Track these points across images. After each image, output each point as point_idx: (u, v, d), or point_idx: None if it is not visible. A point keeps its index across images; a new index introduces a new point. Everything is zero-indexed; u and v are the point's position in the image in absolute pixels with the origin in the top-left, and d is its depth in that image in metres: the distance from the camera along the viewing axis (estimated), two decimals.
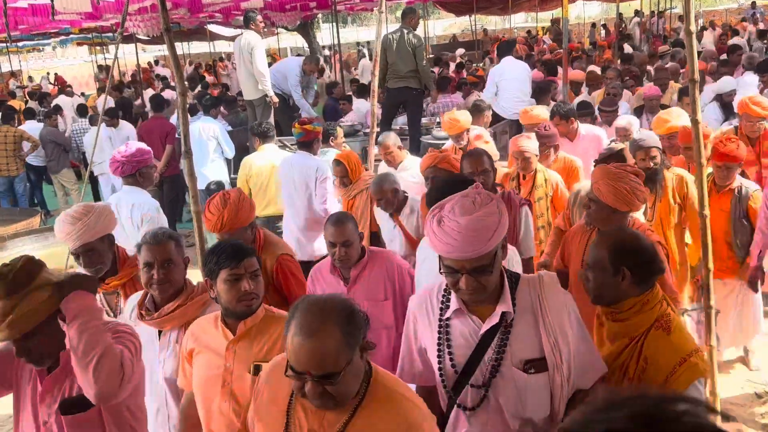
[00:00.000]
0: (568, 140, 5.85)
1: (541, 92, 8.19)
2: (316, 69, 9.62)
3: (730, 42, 13.74)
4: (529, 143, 4.79)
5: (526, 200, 3.96)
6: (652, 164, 4.30)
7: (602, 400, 0.81)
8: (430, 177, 4.15)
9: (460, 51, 18.77)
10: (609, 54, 14.76)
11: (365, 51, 20.58)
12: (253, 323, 2.55)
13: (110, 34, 18.35)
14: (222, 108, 9.71)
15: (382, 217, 4.74)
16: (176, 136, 8.36)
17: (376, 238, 5.06)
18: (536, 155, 4.81)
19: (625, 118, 5.99)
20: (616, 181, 3.15)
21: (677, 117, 5.25)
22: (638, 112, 7.36)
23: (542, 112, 6.03)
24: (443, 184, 3.22)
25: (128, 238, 4.49)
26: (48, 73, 24.60)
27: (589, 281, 2.46)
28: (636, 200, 3.16)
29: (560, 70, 9.22)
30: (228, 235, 3.45)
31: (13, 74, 22.51)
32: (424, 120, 8.59)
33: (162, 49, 24.47)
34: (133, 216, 4.56)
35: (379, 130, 7.94)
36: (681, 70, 9.36)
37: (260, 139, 6.22)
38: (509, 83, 8.33)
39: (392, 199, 4.46)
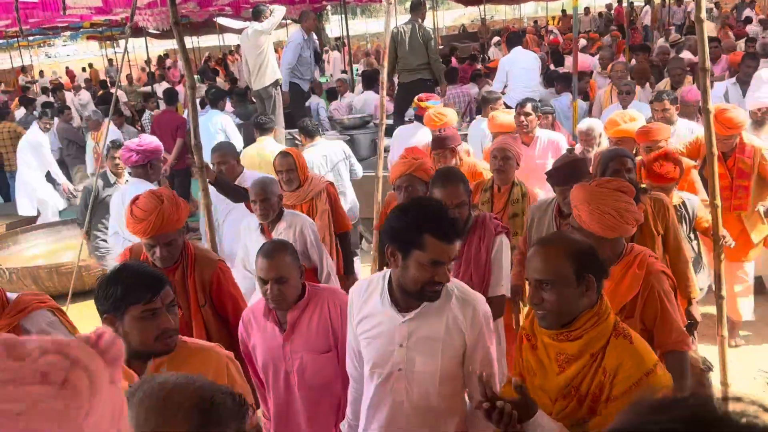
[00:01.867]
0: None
1: (559, 81, 8.14)
2: (314, 25, 9.47)
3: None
4: (512, 146, 4.22)
5: (504, 227, 3.33)
6: (628, 177, 3.58)
7: (653, 402, 0.80)
8: (404, 187, 3.70)
9: (475, 45, 18.66)
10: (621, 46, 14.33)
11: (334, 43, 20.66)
12: (163, 361, 2.18)
13: (120, 28, 18.40)
14: (230, 100, 9.74)
15: (250, 226, 4.13)
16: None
17: (345, 238, 4.83)
18: (516, 164, 4.23)
19: (586, 122, 5.40)
20: (599, 204, 2.64)
21: (630, 119, 4.68)
22: None
23: (510, 118, 5.36)
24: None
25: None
26: (62, 69, 24.73)
27: (543, 302, 2.08)
28: (626, 224, 2.65)
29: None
30: (161, 240, 3.09)
31: (23, 69, 22.63)
32: None
33: (172, 43, 24.52)
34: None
35: (393, 122, 7.97)
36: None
37: (258, 131, 6.28)
38: (519, 73, 8.28)
39: (276, 207, 3.96)
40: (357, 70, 14.33)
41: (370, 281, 2.50)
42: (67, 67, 24.63)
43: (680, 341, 2.63)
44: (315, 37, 9.97)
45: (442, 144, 4.76)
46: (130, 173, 5.12)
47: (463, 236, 2.98)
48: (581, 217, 2.68)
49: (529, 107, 5.22)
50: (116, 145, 5.55)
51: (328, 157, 5.97)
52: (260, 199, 3.87)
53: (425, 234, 2.17)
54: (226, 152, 4.95)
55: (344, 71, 14.55)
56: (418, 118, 6.26)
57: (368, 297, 2.42)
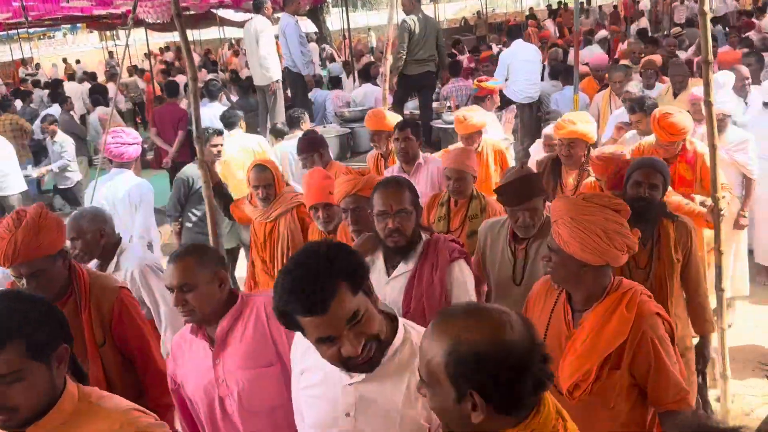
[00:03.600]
0: None
1: (567, 74, 8.13)
2: (299, 7, 9.38)
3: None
4: (466, 162, 3.74)
5: (461, 251, 2.78)
6: (648, 193, 3.12)
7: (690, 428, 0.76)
8: (350, 209, 3.20)
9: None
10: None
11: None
12: None
13: (123, 26, 18.38)
14: (225, 92, 9.72)
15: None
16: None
17: None
18: (474, 174, 3.80)
19: (550, 126, 5.04)
20: (584, 221, 2.20)
21: (583, 120, 4.26)
22: None
23: (480, 118, 4.98)
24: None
25: (121, 219, 4.62)
26: (62, 59, 24.69)
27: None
28: (614, 249, 2.20)
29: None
30: (23, 270, 2.58)
31: (23, 61, 22.60)
32: (435, 104, 8.56)
33: (173, 36, 24.46)
34: (132, 197, 4.69)
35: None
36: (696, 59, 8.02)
37: (226, 127, 6.16)
38: (520, 66, 8.27)
39: (95, 245, 3.34)
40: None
41: None
42: (64, 59, 24.55)
43: (680, 399, 2.22)
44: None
45: (308, 146, 4.60)
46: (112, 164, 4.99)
47: (411, 258, 2.69)
48: (560, 234, 2.23)
49: None
50: (218, 132, 5.44)
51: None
52: (71, 237, 3.26)
53: (291, 314, 1.68)
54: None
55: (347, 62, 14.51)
56: (478, 99, 6.25)
57: (310, 345, 1.80)
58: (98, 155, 6.68)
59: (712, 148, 3.32)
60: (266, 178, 4.02)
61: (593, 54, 10.59)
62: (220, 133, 5.41)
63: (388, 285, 2.73)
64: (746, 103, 5.95)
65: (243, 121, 6.45)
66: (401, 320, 1.88)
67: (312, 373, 1.93)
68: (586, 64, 8.98)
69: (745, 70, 6.01)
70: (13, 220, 2.59)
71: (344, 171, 3.63)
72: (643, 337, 2.18)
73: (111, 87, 14.01)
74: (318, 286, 1.63)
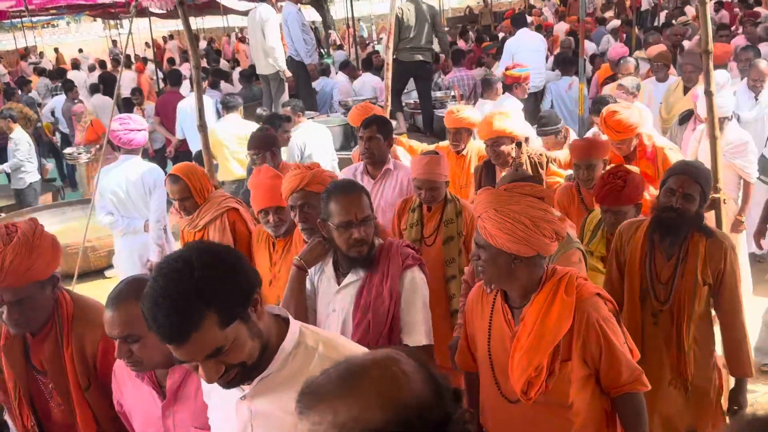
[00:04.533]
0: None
1: (566, 63, 8.11)
2: None
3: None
4: (436, 170, 3.47)
5: (416, 258, 2.59)
6: (680, 203, 2.79)
7: (756, 427, 0.74)
8: (298, 206, 2.92)
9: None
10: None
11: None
12: None
13: (126, 16, 18.33)
14: (235, 81, 9.70)
15: None
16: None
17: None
18: (446, 179, 3.55)
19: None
20: (508, 211, 2.13)
21: (505, 117, 4.10)
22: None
23: (473, 114, 4.75)
24: None
25: (133, 202, 4.73)
26: (65, 50, 24.68)
27: None
28: (543, 237, 2.11)
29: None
30: (8, 296, 2.19)
31: (26, 50, 22.60)
32: (439, 93, 8.55)
33: (176, 24, 24.43)
34: (146, 181, 4.73)
35: (391, 104, 7.93)
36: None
37: (225, 109, 6.62)
38: (526, 55, 8.26)
39: None
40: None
41: None
42: (56, 48, 24.56)
43: (635, 380, 2.17)
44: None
45: (261, 143, 4.37)
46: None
47: (370, 267, 2.52)
48: (486, 228, 2.14)
49: None
50: (287, 119, 5.62)
51: (306, 144, 5.79)
52: None
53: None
54: None
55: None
56: (507, 87, 6.24)
57: None
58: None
59: (713, 138, 3.33)
60: (180, 190, 3.71)
61: (611, 43, 10.55)
62: (288, 119, 5.58)
63: (338, 294, 2.58)
64: (756, 100, 5.72)
65: (242, 108, 6.62)
66: (295, 323, 1.69)
67: (211, 396, 1.82)
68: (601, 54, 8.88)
69: (762, 66, 5.69)
70: (0, 236, 2.20)
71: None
72: (588, 320, 2.11)
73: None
74: (179, 315, 1.42)
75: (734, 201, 4.78)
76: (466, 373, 2.55)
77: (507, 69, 6.42)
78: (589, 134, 5.27)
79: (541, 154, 4.36)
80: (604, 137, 4.26)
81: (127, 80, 12.13)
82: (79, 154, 9.13)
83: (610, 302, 2.21)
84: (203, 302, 1.44)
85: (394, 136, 4.43)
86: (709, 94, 3.27)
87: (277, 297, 3.07)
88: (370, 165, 4.05)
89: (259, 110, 7.07)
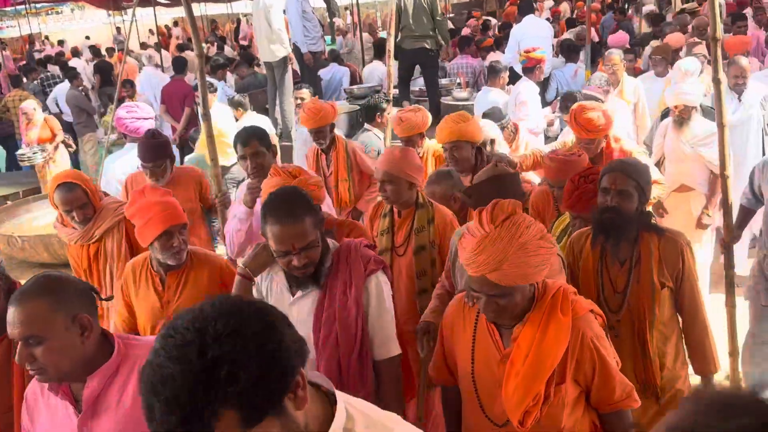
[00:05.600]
0: None
1: (570, 51, 8.04)
2: None
3: None
4: (400, 164, 3.17)
5: (379, 261, 2.41)
6: (616, 201, 2.68)
7: (714, 404, 0.73)
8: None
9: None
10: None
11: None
12: None
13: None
14: (238, 69, 9.67)
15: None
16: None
17: None
18: (412, 181, 3.19)
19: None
20: (509, 250, 1.88)
21: (463, 119, 3.81)
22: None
23: (421, 118, 4.43)
24: None
25: None
26: (69, 37, 24.63)
27: None
28: (549, 259, 1.97)
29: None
30: None
31: (31, 38, 22.55)
32: (444, 81, 8.51)
33: (180, 11, 24.34)
34: None
35: (397, 92, 7.90)
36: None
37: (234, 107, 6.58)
38: (531, 42, 8.19)
39: None
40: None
41: None
42: (46, 36, 24.58)
43: (627, 396, 2.08)
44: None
45: (155, 153, 3.94)
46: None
47: (318, 275, 2.29)
48: (493, 275, 1.90)
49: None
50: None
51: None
52: None
53: None
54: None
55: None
56: (527, 71, 6.21)
57: None
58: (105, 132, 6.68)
59: (721, 127, 3.30)
60: (77, 198, 3.37)
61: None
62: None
63: (293, 306, 2.33)
64: (740, 101, 5.24)
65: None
66: (341, 402, 1.32)
67: None
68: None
69: (743, 63, 5.25)
70: None
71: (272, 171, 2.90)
72: (583, 339, 1.98)
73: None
74: (182, 413, 1.05)
75: (705, 195, 4.62)
76: (444, 388, 2.39)
77: (527, 51, 6.33)
78: None
79: (500, 160, 3.87)
80: (570, 137, 4.17)
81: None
82: (33, 153, 8.35)
83: (600, 316, 2.10)
84: (217, 398, 1.05)
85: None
86: (717, 81, 3.24)
87: None
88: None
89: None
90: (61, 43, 23.13)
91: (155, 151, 3.94)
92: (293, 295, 2.35)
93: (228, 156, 6.16)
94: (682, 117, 4.53)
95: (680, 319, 2.79)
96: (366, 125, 5.48)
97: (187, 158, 6.83)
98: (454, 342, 2.19)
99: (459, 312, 2.19)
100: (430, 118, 4.53)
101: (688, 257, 2.68)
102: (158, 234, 2.72)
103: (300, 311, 2.32)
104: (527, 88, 6.00)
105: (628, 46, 8.42)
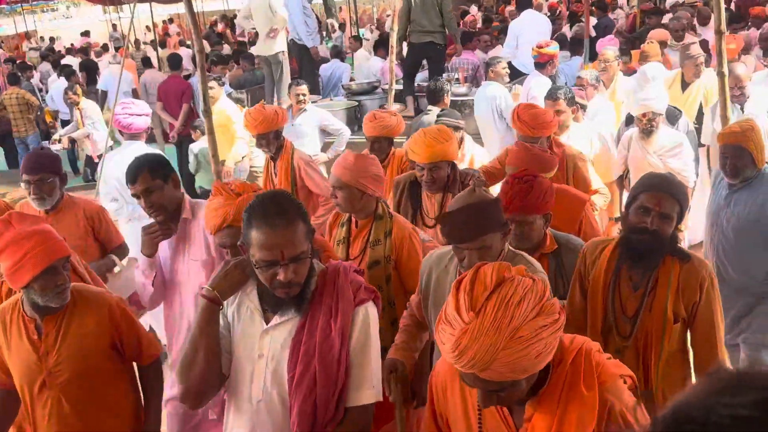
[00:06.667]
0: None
1: (576, 44, 8.02)
2: None
3: None
4: (362, 164, 2.99)
5: (370, 290, 2.07)
6: (657, 224, 2.38)
7: (723, 381, 0.72)
8: (229, 246, 2.52)
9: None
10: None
11: None
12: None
13: None
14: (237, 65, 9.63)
15: None
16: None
17: None
18: (368, 192, 2.98)
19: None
20: (505, 344, 1.43)
21: (446, 138, 3.44)
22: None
23: (395, 121, 4.26)
24: None
25: None
26: (65, 34, 24.53)
27: None
28: (548, 351, 1.49)
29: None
30: None
31: (27, 35, 22.47)
32: (443, 76, 8.48)
33: (176, 8, 24.26)
34: None
35: (402, 86, 7.87)
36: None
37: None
38: (530, 37, 8.18)
39: None
40: (363, 34, 14.18)
41: None
42: (52, 38, 24.49)
43: None
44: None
45: (39, 166, 3.41)
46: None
47: (300, 300, 1.95)
48: (487, 374, 1.46)
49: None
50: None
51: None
52: None
53: None
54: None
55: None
56: (539, 66, 6.21)
57: None
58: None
59: (725, 119, 3.30)
60: None
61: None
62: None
63: (266, 335, 1.98)
64: (743, 111, 4.65)
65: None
66: None
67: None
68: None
69: (738, 71, 4.67)
70: None
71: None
72: (610, 412, 1.59)
73: (106, 58, 14.02)
74: None
75: None
76: None
77: (540, 46, 6.30)
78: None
79: (471, 177, 3.65)
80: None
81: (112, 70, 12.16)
82: None
83: (629, 378, 1.68)
84: None
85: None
86: (721, 75, 3.24)
87: (60, 400, 2.41)
88: (162, 223, 2.92)
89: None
90: (52, 40, 23.05)
91: (41, 162, 3.39)
92: (267, 322, 1.98)
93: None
94: (650, 127, 4.26)
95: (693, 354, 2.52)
96: (429, 107, 5.46)
97: (192, 146, 6.82)
98: (448, 411, 1.81)
99: (453, 375, 1.73)
100: (403, 126, 4.35)
101: (709, 289, 2.41)
102: (39, 272, 2.26)
103: (274, 342, 1.97)
104: (539, 83, 5.98)
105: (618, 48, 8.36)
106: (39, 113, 10.70)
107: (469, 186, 3.14)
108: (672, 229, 2.40)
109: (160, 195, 2.84)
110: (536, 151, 3.34)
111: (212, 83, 6.28)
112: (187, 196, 3.01)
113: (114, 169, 4.73)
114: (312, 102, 6.70)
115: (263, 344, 1.97)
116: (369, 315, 2.01)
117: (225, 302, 2.04)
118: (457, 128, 4.22)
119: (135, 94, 9.78)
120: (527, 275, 1.55)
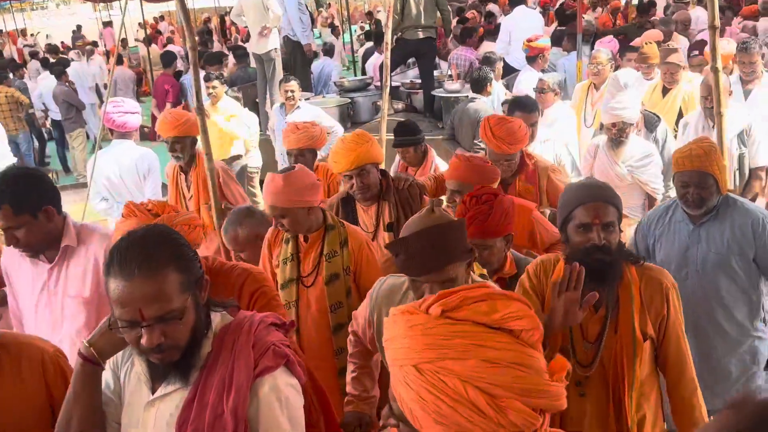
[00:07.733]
0: None
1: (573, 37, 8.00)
2: None
3: None
4: (297, 183, 2.70)
5: (280, 355, 1.62)
6: (605, 238, 2.10)
7: (758, 409, 0.71)
8: None
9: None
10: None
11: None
12: None
13: None
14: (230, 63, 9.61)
15: None
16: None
17: None
18: (309, 203, 2.73)
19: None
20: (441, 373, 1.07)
21: (366, 140, 3.32)
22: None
23: (320, 135, 4.16)
24: None
25: (128, 188, 4.64)
26: (55, 32, 24.41)
27: None
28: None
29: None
30: None
31: (21, 32, 22.35)
32: (435, 73, 8.46)
33: (166, 6, 24.15)
34: (139, 166, 4.65)
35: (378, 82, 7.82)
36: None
37: None
38: (523, 33, 8.17)
39: None
40: (355, 30, 14.16)
41: None
42: (48, 35, 24.42)
43: None
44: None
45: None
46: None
47: (191, 365, 1.59)
48: (402, 398, 1.11)
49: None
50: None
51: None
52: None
53: None
54: None
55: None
56: (530, 60, 6.26)
57: None
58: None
59: (719, 116, 3.30)
60: None
61: None
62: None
63: (152, 407, 1.61)
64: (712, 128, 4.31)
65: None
66: None
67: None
68: None
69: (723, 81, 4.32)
70: None
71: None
72: None
73: (97, 57, 13.98)
74: None
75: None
76: None
77: (530, 40, 6.32)
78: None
79: (409, 184, 3.48)
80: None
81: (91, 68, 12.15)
82: None
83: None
84: None
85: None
86: (715, 70, 3.24)
87: None
88: (32, 256, 2.53)
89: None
90: (48, 38, 22.96)
91: None
92: (153, 392, 1.62)
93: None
94: (620, 137, 4.05)
95: (663, 376, 2.25)
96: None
97: None
98: None
99: None
100: (327, 139, 4.13)
101: (674, 301, 2.17)
102: None
103: (160, 417, 1.59)
104: (528, 78, 5.98)
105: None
106: (30, 112, 10.63)
107: (405, 189, 3.22)
108: (618, 236, 2.15)
109: (27, 232, 2.36)
110: (477, 162, 3.09)
111: (215, 82, 6.26)
112: (71, 219, 2.54)
113: (104, 168, 4.70)
114: (305, 99, 6.68)
115: (147, 418, 1.60)
116: (278, 388, 1.56)
117: (116, 360, 1.69)
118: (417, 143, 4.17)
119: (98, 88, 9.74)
120: None
